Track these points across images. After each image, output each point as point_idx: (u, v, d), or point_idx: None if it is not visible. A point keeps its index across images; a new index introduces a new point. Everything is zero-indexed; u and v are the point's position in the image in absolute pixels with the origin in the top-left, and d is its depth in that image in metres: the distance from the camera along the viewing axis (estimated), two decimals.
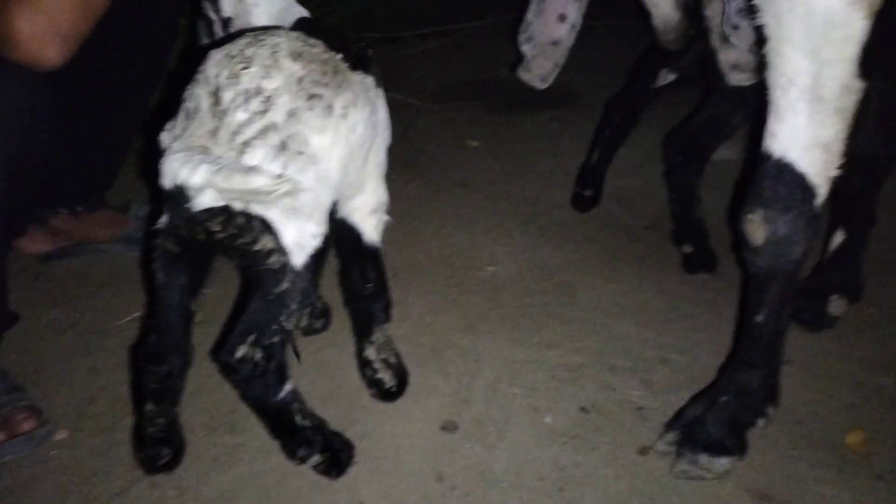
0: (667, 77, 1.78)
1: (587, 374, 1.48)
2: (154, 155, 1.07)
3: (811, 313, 1.57)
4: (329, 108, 1.07)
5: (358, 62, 1.17)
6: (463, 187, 2.15)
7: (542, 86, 1.72)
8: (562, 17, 1.61)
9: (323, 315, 1.57)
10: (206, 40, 1.32)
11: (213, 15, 1.29)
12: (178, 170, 1.00)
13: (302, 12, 1.30)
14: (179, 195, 1.02)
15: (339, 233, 1.29)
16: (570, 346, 1.55)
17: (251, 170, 1.00)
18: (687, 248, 1.81)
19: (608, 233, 1.96)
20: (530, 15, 1.65)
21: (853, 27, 0.99)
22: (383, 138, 1.29)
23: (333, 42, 1.15)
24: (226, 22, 1.29)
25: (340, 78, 1.11)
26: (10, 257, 1.36)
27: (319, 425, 1.22)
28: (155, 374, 1.15)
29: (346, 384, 1.43)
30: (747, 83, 1.56)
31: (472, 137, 2.42)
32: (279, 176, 1.01)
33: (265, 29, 1.15)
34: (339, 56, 1.13)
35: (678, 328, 1.61)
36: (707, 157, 1.82)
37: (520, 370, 1.48)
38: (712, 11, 1.51)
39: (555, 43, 1.64)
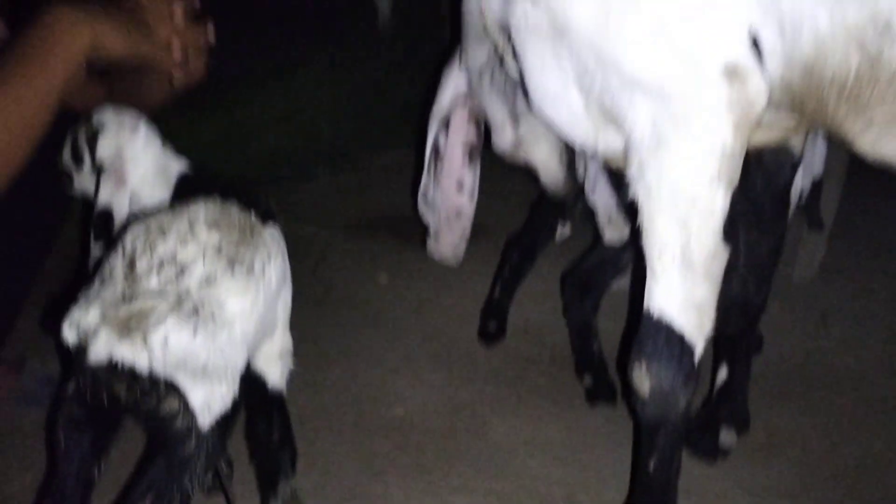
0: (563, 232, 1.89)
1: None
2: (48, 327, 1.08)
3: (704, 445, 1.64)
4: (250, 270, 1.13)
5: (266, 216, 1.23)
6: (373, 324, 2.18)
7: (455, 263, 1.79)
8: (460, 185, 1.70)
9: (228, 465, 1.54)
10: (73, 188, 1.34)
11: (86, 158, 1.33)
12: (74, 316, 1.02)
13: (182, 168, 1.37)
14: (82, 352, 1.02)
15: (245, 382, 1.28)
16: (480, 488, 1.57)
17: (142, 294, 1.04)
18: (588, 381, 1.88)
19: (515, 366, 2.01)
20: (425, 175, 1.73)
21: (715, 200, 1.10)
22: (290, 283, 1.33)
23: (245, 200, 1.21)
24: (99, 169, 1.33)
25: (256, 237, 1.17)
26: None
27: None
28: None
29: None
30: (619, 244, 1.69)
31: (383, 271, 2.47)
32: (213, 316, 1.06)
33: (185, 202, 1.20)
34: (251, 214, 1.19)
35: (584, 463, 1.65)
36: (602, 292, 1.92)
37: None
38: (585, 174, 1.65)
39: (458, 213, 1.72)
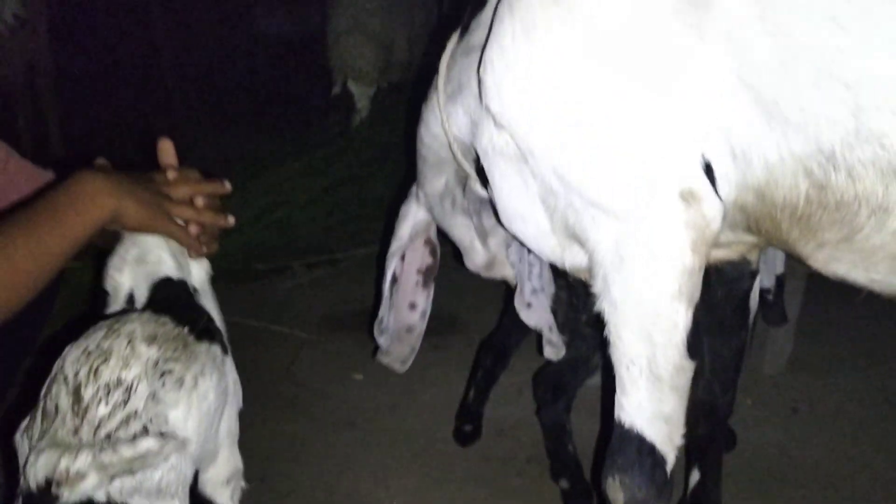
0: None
1: None
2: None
3: None
4: (180, 381, 1.12)
5: (202, 333, 1.23)
6: (347, 424, 2.16)
7: (403, 368, 1.82)
8: (413, 306, 1.75)
9: None
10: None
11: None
12: (54, 463, 0.99)
13: (169, 271, 1.33)
14: (44, 493, 0.99)
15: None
16: None
17: (134, 438, 1.02)
18: (563, 484, 1.87)
19: (490, 467, 2.00)
20: (383, 310, 1.77)
21: (677, 316, 1.13)
22: (234, 404, 1.32)
23: (181, 315, 1.21)
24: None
25: (189, 351, 1.17)
26: None
27: None
28: None
29: None
30: (556, 358, 1.73)
31: (357, 369, 2.47)
32: (162, 434, 1.03)
33: (118, 315, 1.20)
34: (186, 329, 1.19)
35: None
36: (574, 393, 1.93)
37: None
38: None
39: (409, 329, 1.77)
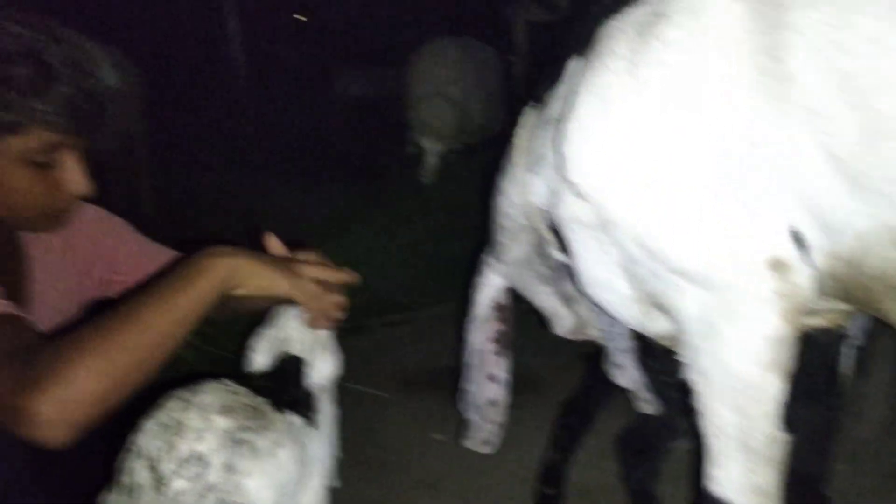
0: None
1: None
2: None
3: None
4: (256, 450, 1.14)
5: (283, 404, 1.26)
6: (428, 486, 2.17)
7: (489, 450, 1.82)
8: (491, 377, 1.75)
9: None
10: None
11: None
12: None
13: (297, 351, 1.38)
14: None
15: None
16: None
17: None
18: None
19: None
20: (467, 384, 1.78)
21: (770, 388, 1.11)
22: (319, 477, 1.32)
23: (265, 387, 1.25)
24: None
25: (266, 420, 1.18)
26: None
27: None
28: None
29: None
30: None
31: (438, 430, 2.48)
32: None
33: (191, 385, 1.22)
34: (264, 400, 1.22)
35: None
36: (661, 457, 1.89)
37: None
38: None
39: (492, 403, 1.77)
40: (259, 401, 1.22)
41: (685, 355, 1.17)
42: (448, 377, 2.86)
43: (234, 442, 1.13)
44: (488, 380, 1.73)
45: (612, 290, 1.27)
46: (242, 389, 1.22)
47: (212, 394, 1.18)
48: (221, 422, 1.14)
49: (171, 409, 1.15)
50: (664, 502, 1.89)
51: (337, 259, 3.79)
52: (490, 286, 1.70)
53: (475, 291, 1.72)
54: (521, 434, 2.43)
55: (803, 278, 1.10)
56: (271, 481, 1.15)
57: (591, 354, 2.12)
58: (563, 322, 1.67)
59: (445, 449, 2.39)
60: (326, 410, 1.42)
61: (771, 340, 1.10)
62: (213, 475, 1.09)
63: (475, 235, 3.55)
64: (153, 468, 1.10)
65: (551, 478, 2.07)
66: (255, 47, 6.95)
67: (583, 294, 1.38)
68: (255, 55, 6.97)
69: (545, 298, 1.65)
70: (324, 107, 7.23)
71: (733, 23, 1.03)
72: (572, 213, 1.24)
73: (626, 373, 1.62)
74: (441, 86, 4.44)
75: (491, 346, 1.73)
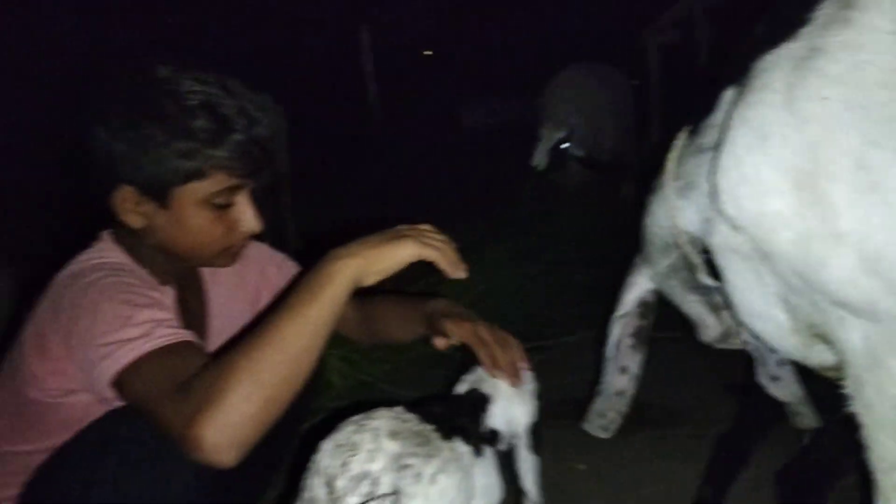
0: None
1: None
2: None
3: None
4: (419, 475, 1.20)
5: (451, 431, 1.33)
6: None
7: (606, 435, 1.82)
8: (623, 369, 1.75)
9: None
10: None
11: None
12: None
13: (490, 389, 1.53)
14: None
15: None
16: None
17: None
18: None
19: None
20: (604, 375, 1.80)
21: None
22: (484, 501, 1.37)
23: (437, 414, 1.33)
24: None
25: (431, 447, 1.25)
26: None
27: None
28: None
29: None
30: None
31: (578, 460, 2.47)
32: None
33: (367, 412, 1.32)
34: (431, 427, 1.29)
35: None
36: (825, 496, 1.80)
37: None
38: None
39: (619, 393, 1.77)
40: (427, 428, 1.29)
41: (849, 388, 1.14)
42: (583, 408, 2.84)
43: (401, 465, 1.20)
44: (620, 371, 1.75)
45: (770, 320, 1.24)
46: (412, 417, 1.30)
47: (383, 419, 1.27)
48: (390, 445, 1.22)
49: (347, 432, 1.25)
50: None
51: (466, 289, 3.85)
52: (638, 286, 1.70)
53: (624, 289, 1.73)
54: (664, 466, 2.39)
55: None
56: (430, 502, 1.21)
57: (743, 385, 2.06)
58: (710, 331, 1.64)
59: (588, 479, 2.38)
60: (523, 455, 1.55)
61: None
62: (384, 492, 1.17)
63: (605, 263, 3.55)
64: (329, 485, 1.19)
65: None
66: (389, 83, 7.23)
67: (740, 324, 1.36)
68: (388, 90, 7.24)
69: (693, 306, 1.63)
70: (453, 136, 7.40)
71: (893, 59, 1.01)
72: (727, 243, 1.23)
73: (783, 385, 1.57)
74: (573, 116, 4.47)
75: (629, 340, 1.73)
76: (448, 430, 1.34)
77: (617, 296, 1.77)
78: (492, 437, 1.49)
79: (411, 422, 1.29)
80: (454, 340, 1.62)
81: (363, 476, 1.18)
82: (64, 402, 1.37)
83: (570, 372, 3.18)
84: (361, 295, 1.89)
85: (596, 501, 2.24)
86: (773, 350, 1.48)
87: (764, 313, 1.24)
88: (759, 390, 1.96)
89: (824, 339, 1.17)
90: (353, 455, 1.20)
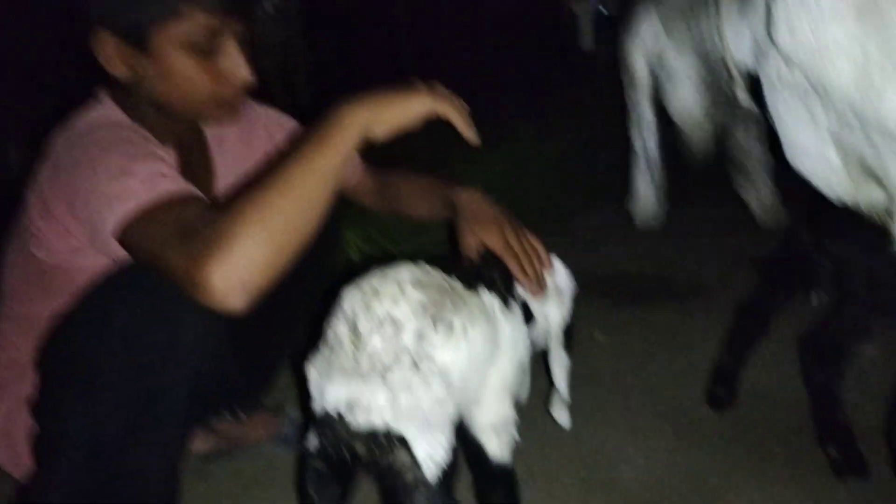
0: (819, 298, 1.78)
1: None
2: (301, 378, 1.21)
3: None
4: (450, 327, 1.18)
5: (475, 284, 1.31)
6: (591, 380, 2.16)
7: (655, 224, 1.80)
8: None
9: None
10: None
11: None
12: (345, 391, 1.11)
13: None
14: (331, 419, 1.12)
15: (466, 449, 1.34)
16: None
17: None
18: (833, 452, 1.74)
19: (747, 433, 1.91)
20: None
21: None
22: (511, 356, 1.35)
23: (454, 269, 1.31)
24: None
25: (457, 299, 1.23)
26: None
27: None
28: None
29: None
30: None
31: (599, 330, 2.47)
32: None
33: (389, 264, 1.29)
34: (456, 280, 1.27)
35: None
36: (847, 360, 1.78)
37: None
38: None
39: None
40: (453, 280, 1.27)
41: None
42: (605, 284, 2.84)
43: (426, 314, 1.17)
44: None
45: (819, 158, 1.18)
46: (436, 270, 1.27)
47: (407, 270, 1.24)
48: (414, 293, 1.19)
49: (370, 278, 1.23)
50: (849, 411, 1.78)
51: (490, 171, 3.82)
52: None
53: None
54: (685, 339, 2.39)
55: None
56: (460, 356, 1.19)
57: (764, 259, 2.02)
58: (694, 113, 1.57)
59: (608, 350, 2.38)
60: (556, 354, 1.60)
61: None
62: (407, 339, 1.15)
63: (625, 145, 3.47)
64: (353, 327, 1.16)
65: (723, 378, 2.02)
66: None
67: (790, 165, 1.29)
68: None
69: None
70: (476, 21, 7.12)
71: None
72: (780, 77, 1.16)
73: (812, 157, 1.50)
74: None
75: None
76: (473, 282, 1.32)
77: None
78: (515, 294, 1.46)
79: (435, 274, 1.27)
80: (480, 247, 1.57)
81: (386, 319, 1.16)
82: (72, 262, 1.36)
83: (593, 250, 3.17)
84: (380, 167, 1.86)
85: (617, 373, 2.25)
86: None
87: (815, 152, 1.18)
88: (781, 262, 1.92)
89: (876, 177, 1.11)
90: (377, 299, 1.18)
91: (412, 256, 1.36)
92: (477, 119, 1.37)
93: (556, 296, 1.58)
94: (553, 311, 1.58)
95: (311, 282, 1.73)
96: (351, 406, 1.11)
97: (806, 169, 1.23)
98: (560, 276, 1.62)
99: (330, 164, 1.20)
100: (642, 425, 1.96)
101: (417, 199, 1.79)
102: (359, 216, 2.82)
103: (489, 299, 1.33)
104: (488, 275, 1.39)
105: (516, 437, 1.38)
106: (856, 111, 1.07)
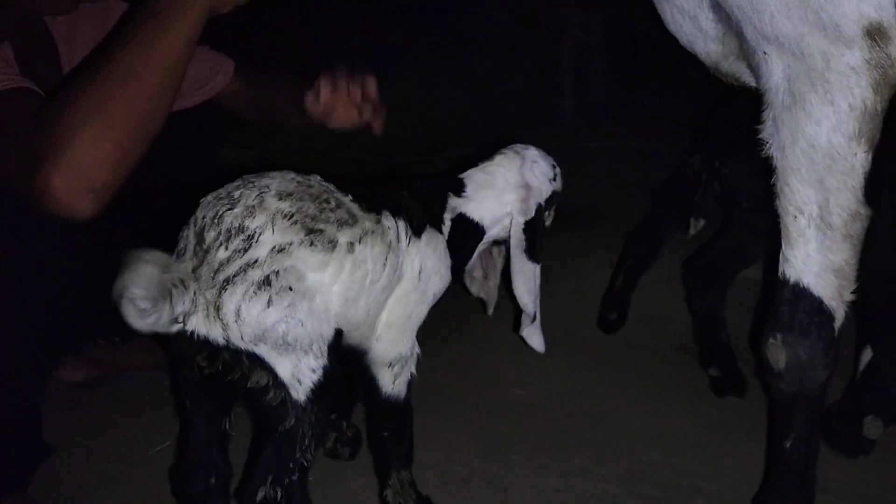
0: (696, 225, 1.82)
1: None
2: None
3: (846, 438, 1.53)
4: (331, 243, 1.10)
5: (374, 207, 1.21)
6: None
7: None
8: None
9: (351, 443, 1.56)
10: None
11: None
12: (177, 299, 1.02)
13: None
14: (178, 332, 1.05)
15: (361, 378, 1.31)
16: (599, 473, 1.53)
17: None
18: (714, 371, 1.81)
19: (634, 355, 1.96)
20: None
21: (855, 159, 1.04)
22: (416, 288, 1.28)
23: (357, 192, 1.20)
24: None
25: (343, 214, 1.14)
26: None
27: None
28: (187, 494, 1.17)
29: None
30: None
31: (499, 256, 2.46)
32: (289, 289, 1.05)
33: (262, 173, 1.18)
34: (352, 200, 1.18)
35: (709, 454, 1.58)
36: (728, 282, 1.84)
37: (550, 500, 1.46)
38: None
39: None
40: (345, 198, 1.17)
41: (766, 129, 1.10)
42: None
43: (295, 228, 1.08)
44: None
45: (695, 21, 1.17)
46: (316, 182, 1.17)
47: (277, 180, 1.13)
48: (276, 204, 1.09)
49: (230, 187, 1.13)
50: (728, 325, 1.85)
51: (398, 94, 3.74)
52: None
53: None
54: (580, 264, 2.41)
55: None
56: (345, 275, 1.12)
57: (657, 189, 2.05)
58: None
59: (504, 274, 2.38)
60: (515, 260, 1.42)
61: (858, 111, 1.03)
62: (259, 252, 1.05)
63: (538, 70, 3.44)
64: (199, 235, 1.07)
65: (614, 302, 2.05)
66: None
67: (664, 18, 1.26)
68: None
69: None
70: None
71: None
72: None
73: None
74: None
75: None
76: (375, 205, 1.21)
77: None
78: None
79: (315, 187, 1.15)
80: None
81: (235, 230, 1.06)
82: None
83: None
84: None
85: (510, 298, 2.25)
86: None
87: (691, 13, 1.17)
88: (669, 189, 1.95)
89: (750, 67, 1.11)
90: (230, 209, 1.07)
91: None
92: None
93: (519, 189, 1.40)
94: (511, 205, 1.40)
95: (184, 198, 1.66)
96: (188, 318, 1.03)
97: (680, 26, 1.22)
98: (533, 171, 1.42)
99: (175, 48, 1.11)
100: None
101: (288, 101, 1.66)
102: (254, 140, 2.73)
103: (392, 224, 1.22)
104: (396, 201, 1.28)
105: (414, 374, 1.33)
106: (739, 6, 1.06)
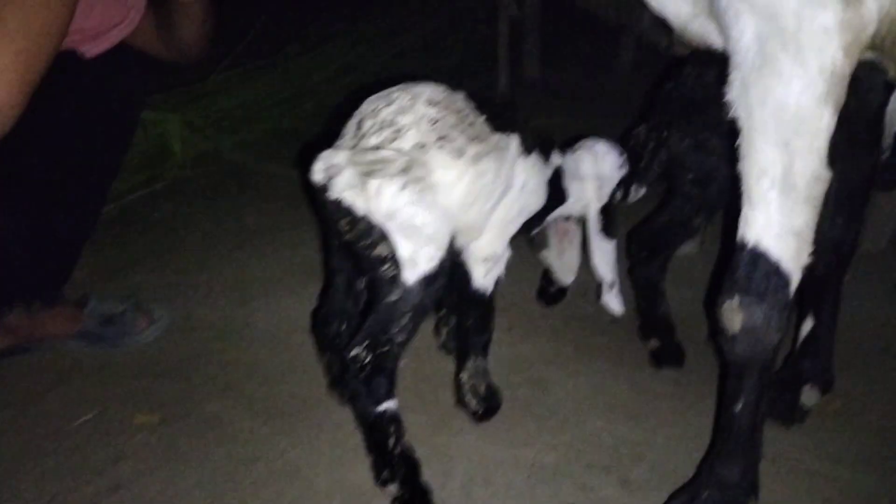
0: (637, 192, 1.81)
1: (563, 472, 1.44)
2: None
3: (783, 406, 1.56)
4: (459, 151, 1.25)
5: (501, 125, 1.37)
6: None
7: None
8: None
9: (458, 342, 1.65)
10: None
11: None
12: (322, 159, 1.20)
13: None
14: (322, 189, 1.21)
15: (454, 273, 1.45)
16: (544, 443, 1.51)
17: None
18: (654, 344, 1.81)
19: (576, 327, 1.95)
20: None
21: (822, 121, 1.04)
22: (520, 199, 1.46)
23: (483, 105, 1.36)
24: None
25: (476, 130, 1.30)
26: None
27: (409, 459, 1.30)
28: (323, 334, 1.50)
29: None
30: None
31: None
32: (418, 178, 1.21)
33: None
34: (482, 116, 1.34)
35: (651, 423, 1.58)
36: (670, 254, 1.85)
37: (494, 470, 1.43)
38: None
39: None
40: (481, 115, 1.33)
41: (734, 91, 1.09)
42: None
43: (434, 131, 1.24)
44: None
45: None
46: (460, 97, 1.34)
47: (430, 89, 1.31)
48: (424, 109, 1.26)
49: (391, 90, 1.31)
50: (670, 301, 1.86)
51: (332, 65, 3.66)
52: None
53: None
54: (523, 239, 2.37)
55: (871, 12, 1.01)
56: (467, 184, 1.27)
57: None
58: None
59: None
60: (593, 237, 1.69)
61: (828, 72, 1.02)
62: (404, 144, 1.22)
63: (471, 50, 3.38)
64: (359, 123, 1.27)
65: (553, 276, 2.03)
66: None
67: None
68: None
69: None
70: None
71: None
72: None
73: None
74: None
75: None
76: (503, 125, 1.37)
77: None
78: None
79: (459, 102, 1.32)
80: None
81: (389, 123, 1.23)
82: None
83: None
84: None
85: None
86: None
87: None
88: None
89: (720, 27, 1.10)
90: (387, 106, 1.26)
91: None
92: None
93: (595, 178, 1.65)
94: (590, 192, 1.65)
95: (106, 163, 1.56)
96: (341, 189, 1.18)
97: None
98: (605, 162, 1.67)
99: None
100: None
101: (189, 19, 1.64)
102: (181, 103, 2.62)
103: (513, 143, 1.39)
104: (521, 125, 1.44)
105: (503, 273, 1.53)
106: None
